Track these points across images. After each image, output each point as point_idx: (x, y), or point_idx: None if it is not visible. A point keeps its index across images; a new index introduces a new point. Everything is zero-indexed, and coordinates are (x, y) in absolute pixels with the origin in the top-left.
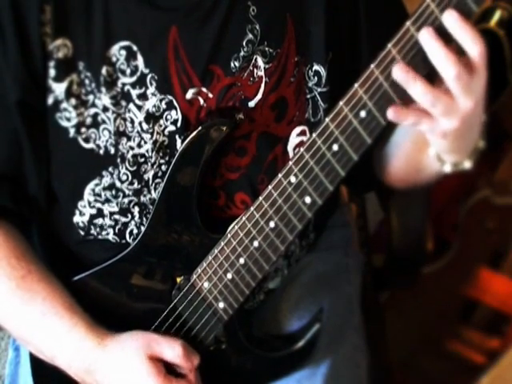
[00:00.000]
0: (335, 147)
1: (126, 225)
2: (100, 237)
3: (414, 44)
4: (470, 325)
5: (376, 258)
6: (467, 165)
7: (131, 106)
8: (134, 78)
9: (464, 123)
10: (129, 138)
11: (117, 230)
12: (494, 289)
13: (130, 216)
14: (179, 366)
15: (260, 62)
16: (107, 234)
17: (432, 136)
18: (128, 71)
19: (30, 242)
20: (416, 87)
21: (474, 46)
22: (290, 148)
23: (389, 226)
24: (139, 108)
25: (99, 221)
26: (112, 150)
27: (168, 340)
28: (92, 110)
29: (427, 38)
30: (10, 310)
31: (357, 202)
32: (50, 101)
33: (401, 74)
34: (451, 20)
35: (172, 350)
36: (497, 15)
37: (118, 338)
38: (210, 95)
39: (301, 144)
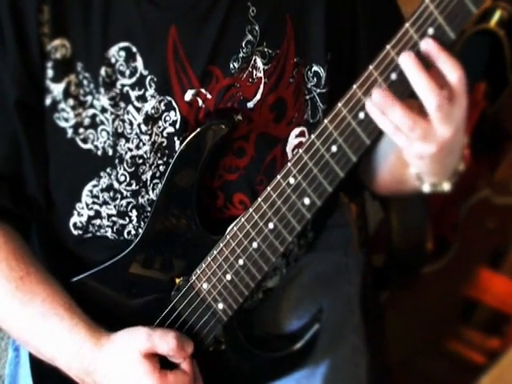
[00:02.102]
0: (334, 148)
1: (124, 226)
2: (98, 234)
3: (413, 46)
4: (470, 325)
5: (376, 258)
6: (446, 187)
7: (130, 107)
8: (134, 80)
9: (442, 149)
10: (127, 140)
11: (115, 230)
12: (494, 289)
13: (127, 219)
14: (174, 357)
15: (259, 62)
16: (105, 232)
17: (409, 156)
18: (127, 72)
19: (29, 244)
20: (394, 112)
21: (452, 73)
22: (288, 149)
23: (389, 226)
24: (138, 110)
25: (97, 221)
26: (110, 151)
27: (161, 334)
28: (90, 111)
29: (409, 65)
30: (9, 312)
31: (357, 201)
32: (48, 101)
33: (379, 99)
34: (429, 48)
35: (165, 344)
36: (497, 15)
37: (113, 338)
38: (209, 96)
39: (300, 145)
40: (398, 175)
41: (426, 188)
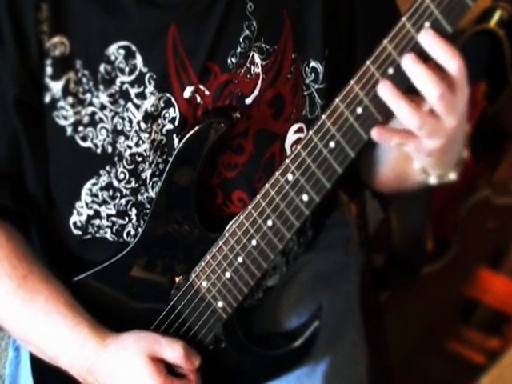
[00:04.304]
0: (332, 144)
1: (123, 226)
2: (98, 235)
3: (410, 40)
4: (470, 325)
5: (376, 258)
6: (452, 176)
7: (129, 105)
8: (133, 77)
9: (449, 141)
10: (126, 137)
11: (114, 230)
12: (494, 289)
13: (127, 219)
14: (180, 366)
15: (257, 58)
16: (105, 232)
17: (417, 155)
18: (127, 70)
19: (30, 243)
20: (401, 108)
21: (451, 62)
22: (287, 145)
23: (389, 226)
24: (137, 107)
25: (96, 221)
26: (109, 149)
27: (169, 340)
28: (89, 109)
29: (407, 59)
30: (11, 311)
31: (356, 201)
32: (47, 99)
33: (385, 91)
34: (427, 39)
35: (173, 351)
36: (497, 15)
37: (120, 338)
38: (207, 92)
39: (298, 141)
40: (401, 171)
41: (433, 180)
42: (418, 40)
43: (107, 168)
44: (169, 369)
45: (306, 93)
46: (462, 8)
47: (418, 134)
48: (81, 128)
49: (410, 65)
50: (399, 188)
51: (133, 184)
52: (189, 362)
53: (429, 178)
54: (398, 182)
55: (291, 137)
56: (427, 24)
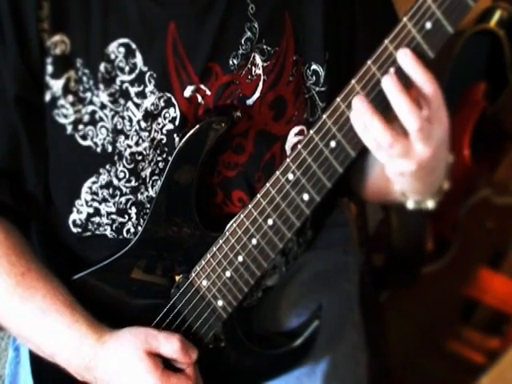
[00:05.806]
0: (333, 144)
1: (123, 224)
2: (97, 232)
3: (411, 40)
4: (470, 325)
5: (376, 258)
6: (430, 205)
7: (129, 104)
8: (133, 76)
9: (423, 168)
10: (126, 137)
11: (114, 228)
12: (494, 289)
13: (127, 217)
14: (177, 360)
15: (258, 60)
16: (105, 230)
17: (390, 172)
18: (127, 69)
19: (28, 241)
20: (374, 126)
21: (428, 86)
22: (287, 147)
23: (389, 226)
24: (137, 106)
25: (96, 219)
26: (109, 148)
27: (166, 335)
28: (89, 108)
29: (392, 91)
30: (9, 308)
31: (356, 201)
32: (48, 97)
33: (358, 105)
34: (405, 59)
35: (170, 345)
36: (497, 15)
37: (117, 335)
38: (208, 92)
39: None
40: (384, 188)
41: (410, 204)
42: (397, 58)
43: (107, 167)
44: (167, 363)
45: (306, 95)
46: (464, 8)
47: (389, 152)
48: (81, 126)
49: (392, 93)
50: (383, 201)
51: (133, 183)
52: (186, 355)
53: (407, 202)
54: (381, 196)
55: (292, 139)
56: (428, 24)
